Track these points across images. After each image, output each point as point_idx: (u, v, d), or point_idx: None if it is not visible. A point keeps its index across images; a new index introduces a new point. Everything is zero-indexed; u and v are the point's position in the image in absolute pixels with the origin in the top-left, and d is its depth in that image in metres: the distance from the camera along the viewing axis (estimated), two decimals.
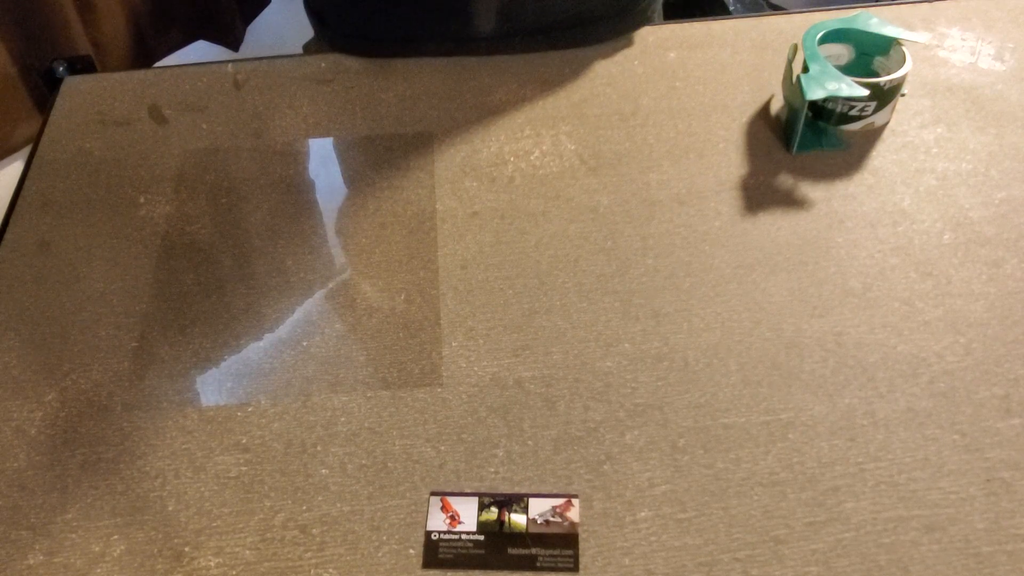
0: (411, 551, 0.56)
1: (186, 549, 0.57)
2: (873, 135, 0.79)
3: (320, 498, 0.59)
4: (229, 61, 0.92)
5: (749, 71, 0.86)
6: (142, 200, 0.79)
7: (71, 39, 1.19)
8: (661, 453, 0.60)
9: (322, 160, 0.82)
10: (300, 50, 1.34)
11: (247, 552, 0.57)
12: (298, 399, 0.64)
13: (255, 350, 0.67)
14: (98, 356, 0.68)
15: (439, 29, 0.86)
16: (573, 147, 0.80)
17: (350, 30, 0.90)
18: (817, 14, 0.90)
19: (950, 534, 0.55)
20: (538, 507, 0.57)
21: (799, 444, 0.60)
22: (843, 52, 0.82)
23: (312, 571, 0.55)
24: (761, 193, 0.75)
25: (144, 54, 1.34)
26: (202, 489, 0.60)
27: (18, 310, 0.71)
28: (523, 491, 0.58)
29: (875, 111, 0.78)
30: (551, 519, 0.57)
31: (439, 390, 0.64)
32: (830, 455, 0.59)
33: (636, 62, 0.88)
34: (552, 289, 0.69)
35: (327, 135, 0.83)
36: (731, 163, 0.78)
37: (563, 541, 0.56)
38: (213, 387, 0.65)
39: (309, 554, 0.56)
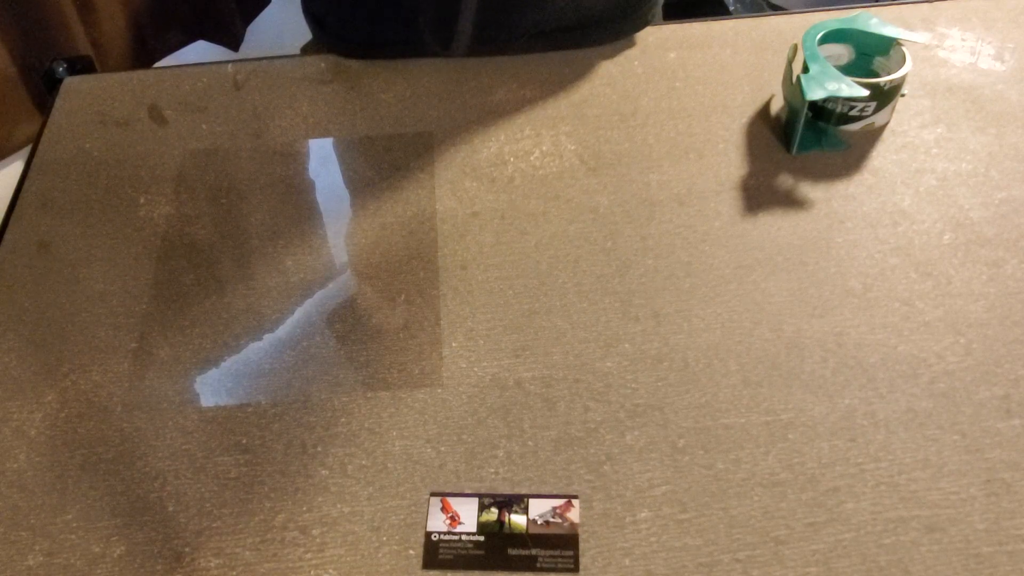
0: (411, 552, 0.56)
1: (186, 550, 0.57)
2: (873, 135, 0.79)
3: (320, 499, 0.59)
4: (229, 61, 0.92)
5: (749, 71, 0.86)
6: (142, 200, 0.79)
7: (71, 39, 1.18)
8: (661, 454, 0.60)
9: (322, 160, 0.82)
10: (299, 51, 1.34)
11: (247, 553, 0.57)
12: (298, 399, 0.64)
13: (255, 350, 0.67)
14: (98, 357, 0.68)
15: (438, 35, 0.86)
16: (573, 147, 0.80)
17: (349, 35, 0.90)
18: (817, 14, 0.90)
19: (950, 535, 0.55)
20: (538, 508, 0.57)
21: (799, 445, 0.60)
22: (843, 52, 0.82)
23: (312, 572, 0.55)
24: (761, 193, 0.75)
25: (144, 54, 1.34)
26: (202, 490, 0.60)
27: (18, 310, 0.71)
28: (523, 492, 0.58)
29: (875, 111, 0.78)
30: (551, 520, 0.57)
31: (439, 391, 0.64)
32: (830, 456, 0.59)
33: (636, 62, 0.88)
34: (552, 289, 0.69)
35: (327, 135, 0.83)
36: (731, 163, 0.78)
37: (563, 542, 0.56)
38: (213, 387, 0.65)
39: (309, 555, 0.56)
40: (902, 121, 0.80)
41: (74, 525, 0.59)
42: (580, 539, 0.56)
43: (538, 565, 0.55)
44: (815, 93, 0.72)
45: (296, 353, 0.67)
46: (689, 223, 0.73)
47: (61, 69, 0.93)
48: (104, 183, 0.81)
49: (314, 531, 0.57)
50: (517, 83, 0.86)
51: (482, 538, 0.56)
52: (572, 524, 0.57)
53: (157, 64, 1.37)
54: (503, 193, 0.77)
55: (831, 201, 0.74)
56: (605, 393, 0.63)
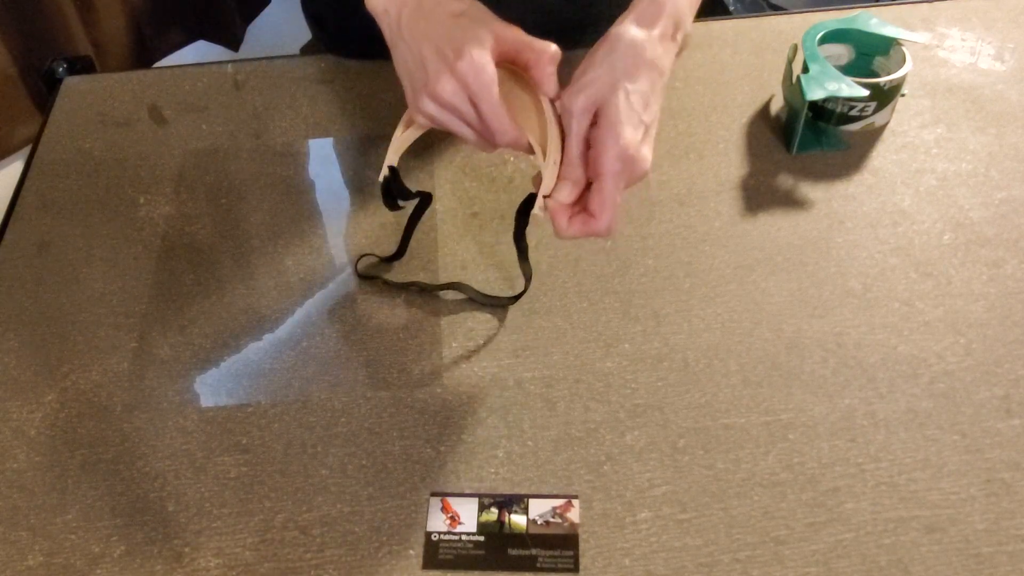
0: (411, 552, 0.56)
1: (186, 550, 0.57)
2: (873, 135, 0.79)
3: (320, 499, 0.59)
4: (229, 61, 0.92)
5: (749, 71, 0.86)
6: (142, 200, 0.79)
7: (71, 39, 1.19)
8: (661, 454, 0.60)
9: (322, 160, 0.82)
10: (299, 51, 1.34)
11: (247, 553, 0.57)
12: (298, 400, 0.64)
13: (255, 350, 0.67)
14: (98, 356, 0.68)
15: None
16: None
17: (349, 35, 0.90)
18: (817, 14, 0.90)
19: (950, 535, 0.55)
20: (538, 508, 0.57)
21: (799, 445, 0.60)
22: (843, 52, 0.82)
23: (312, 572, 0.55)
24: (761, 193, 0.75)
25: (144, 54, 1.34)
26: (202, 490, 0.60)
27: (18, 310, 0.71)
28: (523, 492, 0.58)
29: (875, 111, 0.78)
30: (551, 520, 0.57)
31: (439, 391, 0.64)
32: (830, 456, 0.59)
33: None
34: (552, 289, 0.69)
35: (327, 135, 0.83)
36: (731, 163, 0.78)
37: (563, 542, 0.56)
38: (213, 387, 0.65)
39: (309, 555, 0.56)
40: (902, 121, 0.80)
41: (74, 525, 0.59)
42: (580, 539, 0.56)
43: (538, 565, 0.55)
44: (815, 93, 0.72)
45: (296, 353, 0.67)
46: (689, 223, 0.73)
47: (61, 69, 0.93)
48: (104, 183, 0.81)
49: (314, 531, 0.57)
50: None
51: (482, 538, 0.56)
52: (572, 524, 0.56)
53: (157, 64, 1.37)
54: (503, 193, 0.77)
55: (831, 201, 0.74)
56: (605, 393, 0.63)
